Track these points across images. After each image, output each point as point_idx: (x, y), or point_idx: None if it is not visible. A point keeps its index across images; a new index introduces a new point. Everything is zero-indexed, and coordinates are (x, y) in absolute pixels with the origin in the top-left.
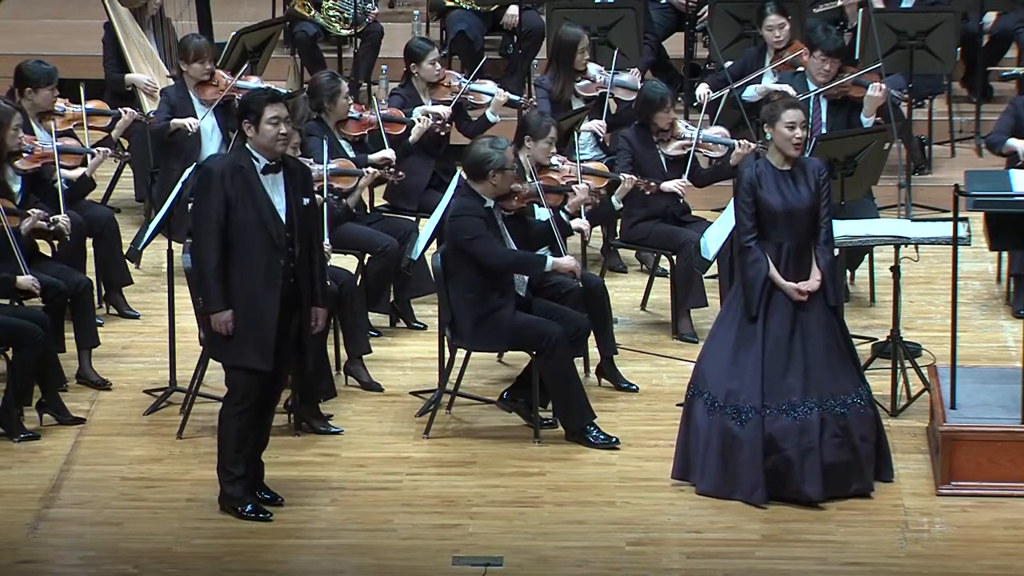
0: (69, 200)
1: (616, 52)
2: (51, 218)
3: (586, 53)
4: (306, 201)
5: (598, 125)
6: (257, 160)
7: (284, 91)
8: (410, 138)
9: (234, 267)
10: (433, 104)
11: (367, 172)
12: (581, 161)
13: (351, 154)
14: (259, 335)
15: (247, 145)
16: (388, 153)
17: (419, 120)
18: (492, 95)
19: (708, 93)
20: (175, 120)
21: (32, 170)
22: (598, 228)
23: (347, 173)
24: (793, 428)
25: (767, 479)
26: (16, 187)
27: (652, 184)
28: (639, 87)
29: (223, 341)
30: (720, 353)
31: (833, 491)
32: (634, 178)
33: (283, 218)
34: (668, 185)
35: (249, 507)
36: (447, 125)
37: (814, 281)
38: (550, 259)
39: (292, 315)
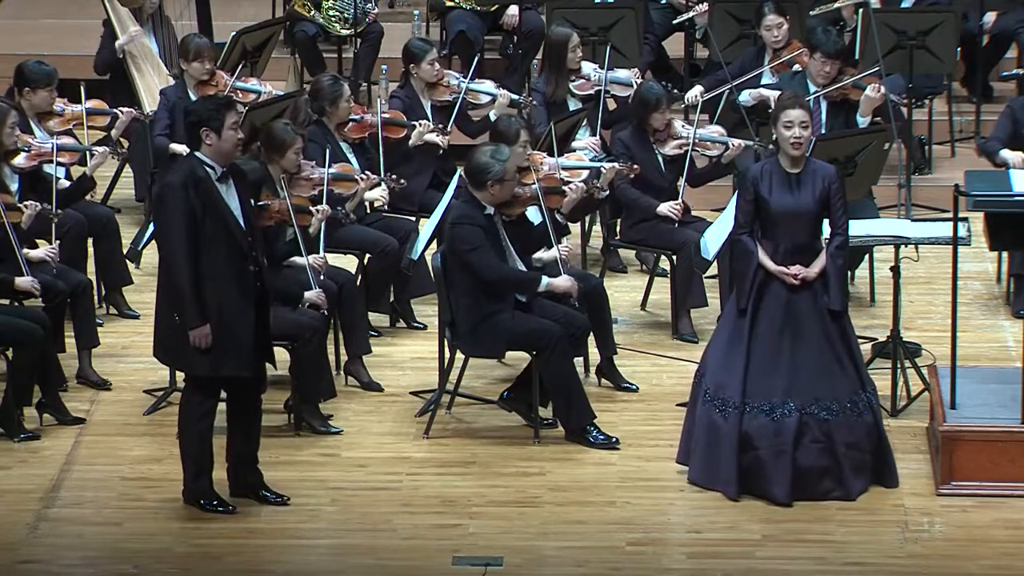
0: (70, 199)
1: (609, 49)
2: (48, 208)
3: (578, 51)
4: (253, 203)
5: (592, 143)
6: (213, 168)
7: (284, 92)
8: (410, 143)
9: (206, 279)
10: (432, 105)
11: (366, 176)
12: (559, 157)
13: (352, 157)
14: (237, 343)
15: (198, 154)
16: (382, 193)
17: (420, 124)
18: (491, 94)
19: (698, 95)
20: (173, 145)
21: (30, 168)
22: (598, 228)
23: (347, 178)
24: (769, 428)
25: (741, 475)
26: (14, 186)
27: (635, 167)
28: (634, 83)
29: (201, 354)
30: (718, 345)
31: (805, 496)
32: (615, 165)
33: (242, 224)
34: (663, 209)
35: (215, 501)
36: (448, 131)
37: (813, 270)
38: (545, 279)
39: (257, 317)
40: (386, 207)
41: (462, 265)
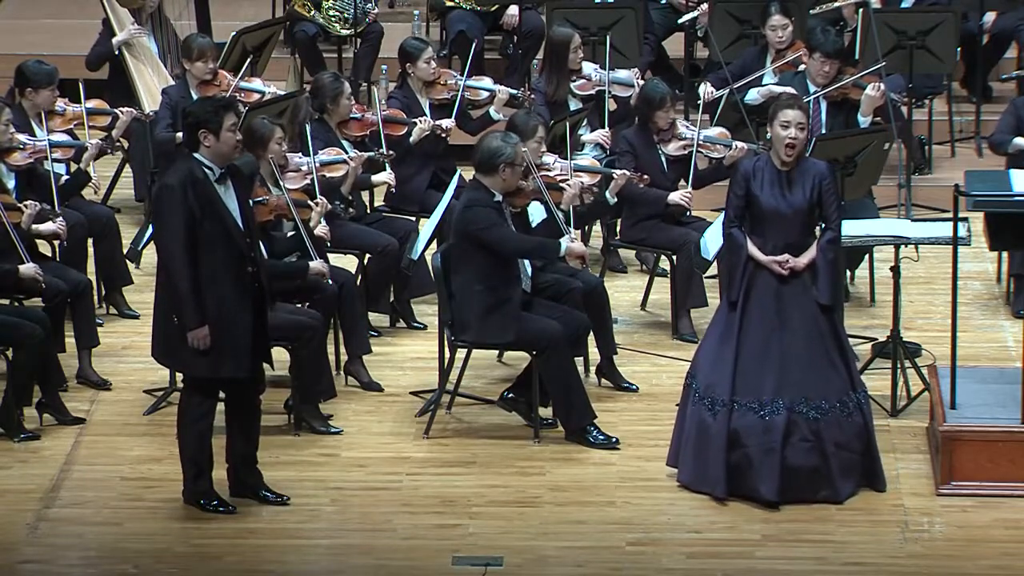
0: (66, 195)
1: (609, 49)
2: (49, 209)
3: (580, 52)
4: (251, 202)
5: (603, 136)
6: (211, 170)
7: (284, 91)
8: (410, 139)
9: (205, 281)
10: (431, 104)
11: (356, 155)
12: (572, 159)
13: (352, 154)
14: (235, 344)
15: (197, 155)
16: (388, 177)
17: (420, 121)
18: (489, 91)
19: (711, 92)
20: (180, 134)
21: (26, 166)
22: (598, 227)
23: (336, 162)
24: (758, 426)
25: (729, 474)
26: (10, 183)
27: (645, 177)
28: (635, 83)
29: (199, 355)
30: (709, 344)
31: (794, 495)
32: (626, 172)
33: (241, 225)
34: (674, 197)
35: (215, 501)
36: (449, 130)
37: (802, 260)
38: (564, 244)
39: (256, 318)
40: (395, 189)
41: (474, 249)
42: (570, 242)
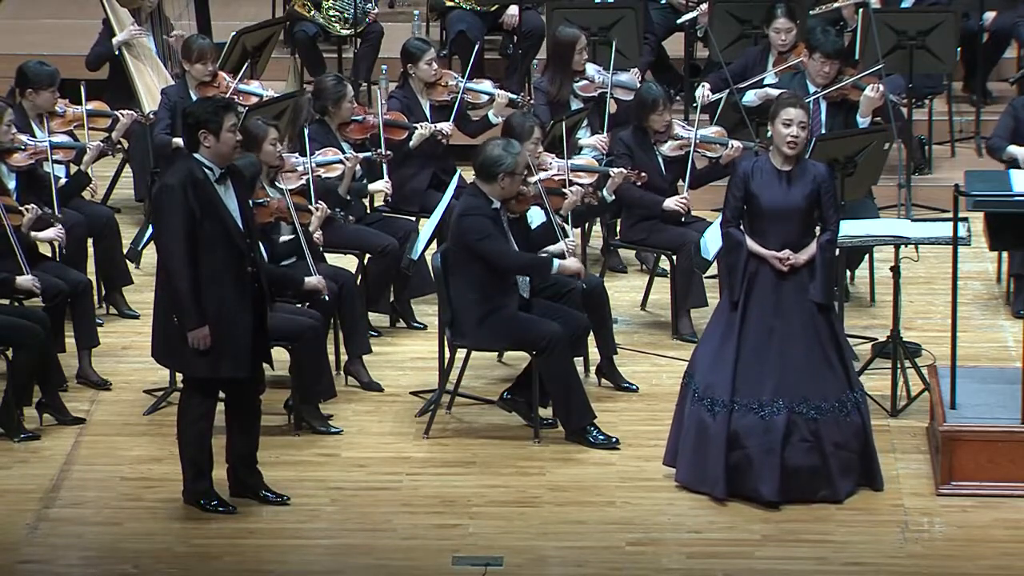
0: (66, 197)
1: (613, 51)
2: (49, 213)
3: (584, 53)
4: (251, 203)
5: (600, 141)
6: (211, 170)
7: (284, 92)
8: (410, 143)
9: (205, 281)
10: (431, 105)
11: (352, 155)
12: (569, 159)
13: (349, 154)
14: (235, 344)
15: (197, 155)
16: (385, 186)
17: (421, 127)
18: (489, 94)
19: (708, 95)
20: (176, 140)
21: (27, 167)
22: (598, 227)
23: (331, 162)
24: (758, 426)
25: (729, 474)
26: (11, 184)
27: (643, 175)
28: (637, 85)
29: (199, 355)
30: (708, 344)
31: (794, 495)
32: (623, 171)
33: (240, 225)
34: (669, 204)
35: (215, 501)
36: (449, 135)
37: (801, 256)
38: (556, 262)
39: (255, 318)
40: (391, 197)
41: (471, 257)
42: (566, 254)
